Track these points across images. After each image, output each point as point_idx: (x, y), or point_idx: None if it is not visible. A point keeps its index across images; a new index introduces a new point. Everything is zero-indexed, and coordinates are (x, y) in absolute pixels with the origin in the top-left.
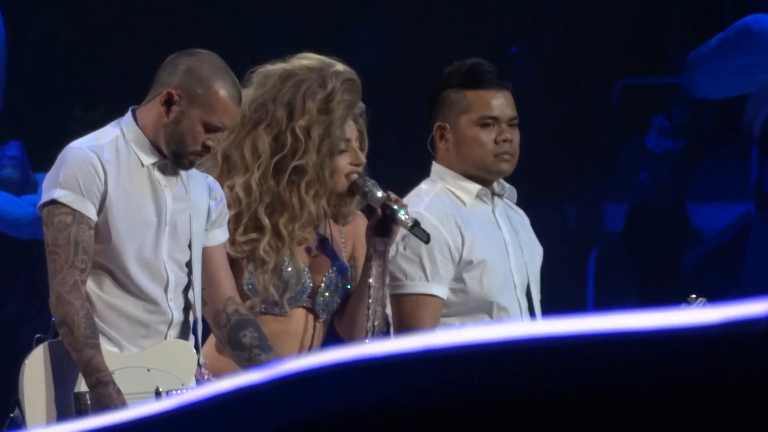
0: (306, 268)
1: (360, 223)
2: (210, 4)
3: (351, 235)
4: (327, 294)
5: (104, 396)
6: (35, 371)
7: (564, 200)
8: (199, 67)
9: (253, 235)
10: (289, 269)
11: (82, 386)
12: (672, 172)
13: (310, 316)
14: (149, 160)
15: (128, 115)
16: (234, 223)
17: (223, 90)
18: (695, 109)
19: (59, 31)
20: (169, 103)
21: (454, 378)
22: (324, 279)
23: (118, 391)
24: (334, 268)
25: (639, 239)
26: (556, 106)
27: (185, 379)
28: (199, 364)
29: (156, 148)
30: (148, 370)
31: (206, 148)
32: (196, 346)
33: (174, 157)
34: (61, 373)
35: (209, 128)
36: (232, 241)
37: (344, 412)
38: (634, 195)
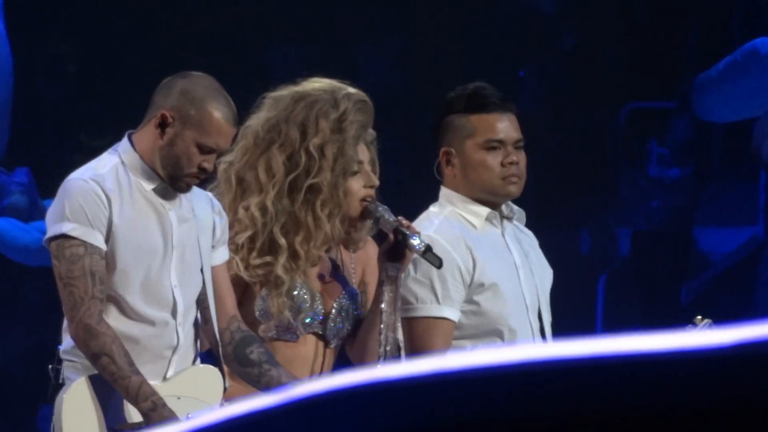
0: (318, 294)
1: (370, 249)
2: (217, 30)
3: (361, 261)
4: (338, 320)
5: (165, 417)
6: (72, 406)
7: (576, 224)
8: (192, 89)
9: (268, 258)
10: (303, 292)
11: (115, 420)
12: (683, 198)
13: (321, 343)
14: (150, 185)
15: (125, 140)
16: (248, 245)
17: (216, 111)
18: (695, 133)
19: (68, 56)
20: (163, 125)
21: (465, 401)
22: (335, 305)
23: (171, 411)
24: (345, 294)
25: (645, 264)
26: (564, 130)
27: (214, 405)
28: (224, 389)
29: (155, 173)
30: (179, 398)
31: (202, 170)
32: (221, 370)
33: (170, 180)
34: (98, 408)
35: (204, 150)
36: (246, 265)
37: None
38: (645, 221)
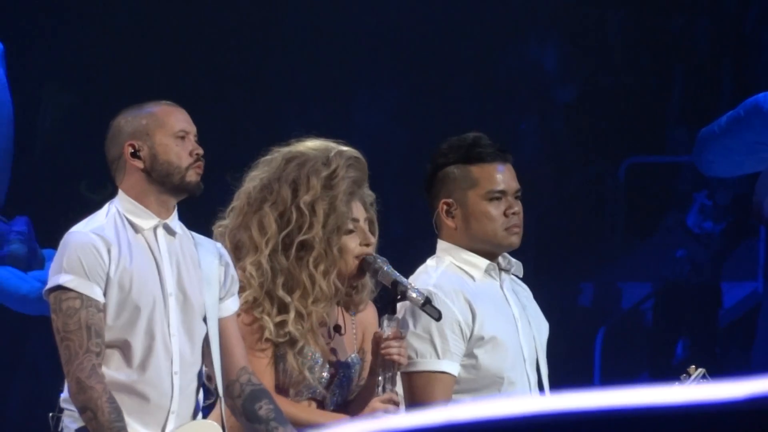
0: (326, 359)
1: (370, 313)
2: (217, 87)
3: (361, 325)
4: (338, 389)
5: None
6: None
7: (576, 278)
8: (125, 113)
9: (284, 317)
10: (314, 355)
11: None
12: (709, 252)
13: (315, 406)
14: (147, 224)
15: (119, 192)
16: (253, 304)
17: (157, 107)
18: (737, 190)
19: (70, 106)
20: (134, 154)
21: None
22: (339, 373)
23: None
24: (347, 363)
25: (668, 315)
26: (564, 183)
27: None
28: None
29: (150, 211)
30: None
31: (196, 156)
32: (222, 424)
33: (180, 180)
34: None
35: (179, 136)
36: (274, 325)
37: None
38: (669, 272)
